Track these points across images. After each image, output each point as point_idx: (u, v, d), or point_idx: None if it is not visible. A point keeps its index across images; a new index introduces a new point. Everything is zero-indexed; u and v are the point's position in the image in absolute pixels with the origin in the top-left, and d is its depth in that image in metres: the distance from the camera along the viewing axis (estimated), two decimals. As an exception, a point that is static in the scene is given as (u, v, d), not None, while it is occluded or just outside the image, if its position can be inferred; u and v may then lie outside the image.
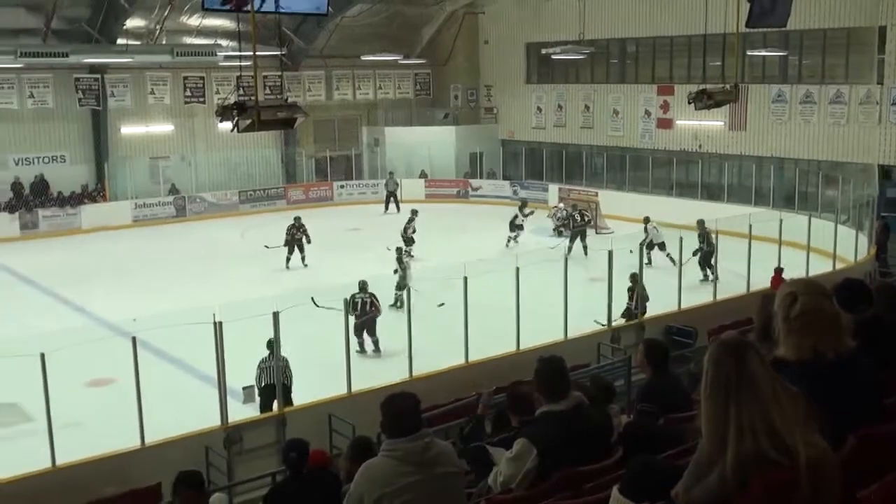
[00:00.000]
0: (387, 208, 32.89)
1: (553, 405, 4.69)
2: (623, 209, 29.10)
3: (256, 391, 13.02)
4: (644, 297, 16.09)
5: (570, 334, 14.60)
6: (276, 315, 11.90)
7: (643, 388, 6.68)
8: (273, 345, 12.50)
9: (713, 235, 19.68)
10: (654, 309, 15.71)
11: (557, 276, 14.68)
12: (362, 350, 15.91)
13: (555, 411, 4.67)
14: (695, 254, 20.08)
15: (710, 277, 19.44)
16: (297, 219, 24.46)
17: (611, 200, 30.00)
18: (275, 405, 12.32)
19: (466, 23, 36.94)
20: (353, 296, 15.60)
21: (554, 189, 32.45)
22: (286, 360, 12.87)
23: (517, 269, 14.11)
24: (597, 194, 30.37)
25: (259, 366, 12.89)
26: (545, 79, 35.45)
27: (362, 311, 16.03)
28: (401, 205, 32.06)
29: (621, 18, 31.20)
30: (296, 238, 24.02)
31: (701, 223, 20.68)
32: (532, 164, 35.13)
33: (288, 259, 23.80)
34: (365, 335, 16.17)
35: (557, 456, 4.56)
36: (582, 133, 33.87)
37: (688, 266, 17.72)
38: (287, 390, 12.75)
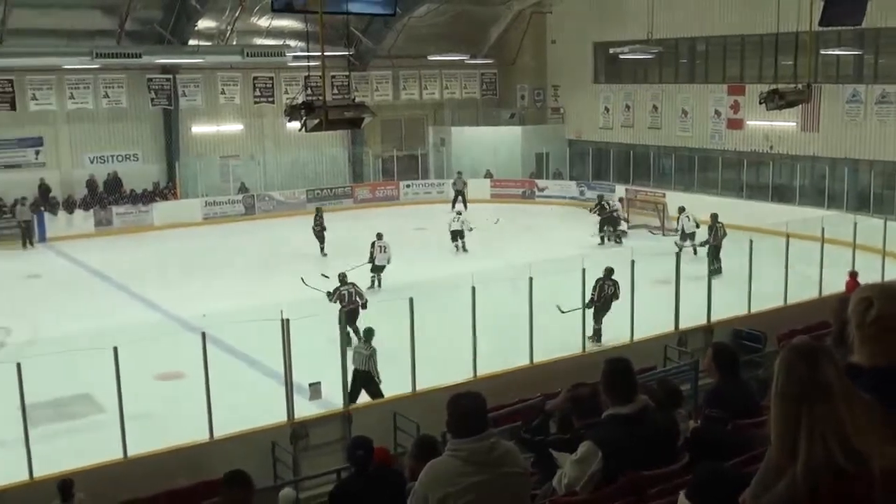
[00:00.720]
0: (454, 206, 32.91)
1: (619, 408, 4.66)
2: (691, 211, 28.67)
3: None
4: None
5: (636, 336, 14.47)
6: (341, 313, 12.02)
7: (711, 392, 6.59)
8: (370, 333, 13.45)
9: (721, 231, 21.68)
10: (723, 312, 15.46)
11: (624, 279, 14.57)
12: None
13: (621, 414, 4.64)
14: (703, 244, 21.38)
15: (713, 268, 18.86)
16: (318, 209, 27.02)
17: (678, 202, 29.52)
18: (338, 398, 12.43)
19: (534, 22, 36.84)
20: (336, 288, 16.77)
21: (620, 190, 32.16)
22: (374, 350, 13.38)
23: (583, 270, 14.05)
24: (664, 196, 29.99)
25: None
26: (613, 78, 35.16)
27: (349, 302, 16.43)
28: (468, 204, 32.14)
29: (691, 17, 30.76)
30: (314, 230, 26.00)
31: (714, 216, 22.50)
32: (599, 165, 34.89)
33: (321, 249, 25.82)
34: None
35: (622, 459, 4.53)
36: (650, 133, 33.51)
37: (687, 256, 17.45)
38: (370, 378, 13.30)
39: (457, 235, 25.95)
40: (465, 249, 25.82)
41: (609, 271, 16.66)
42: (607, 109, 35.22)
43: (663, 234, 27.21)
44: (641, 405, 4.72)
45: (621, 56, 30.85)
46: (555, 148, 36.03)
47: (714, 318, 15.05)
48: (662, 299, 15.26)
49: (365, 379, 13.37)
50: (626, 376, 4.79)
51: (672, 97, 32.67)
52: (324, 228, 26.13)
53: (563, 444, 5.29)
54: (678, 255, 14.91)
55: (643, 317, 14.72)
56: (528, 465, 4.81)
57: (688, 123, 32.22)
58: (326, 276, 17.73)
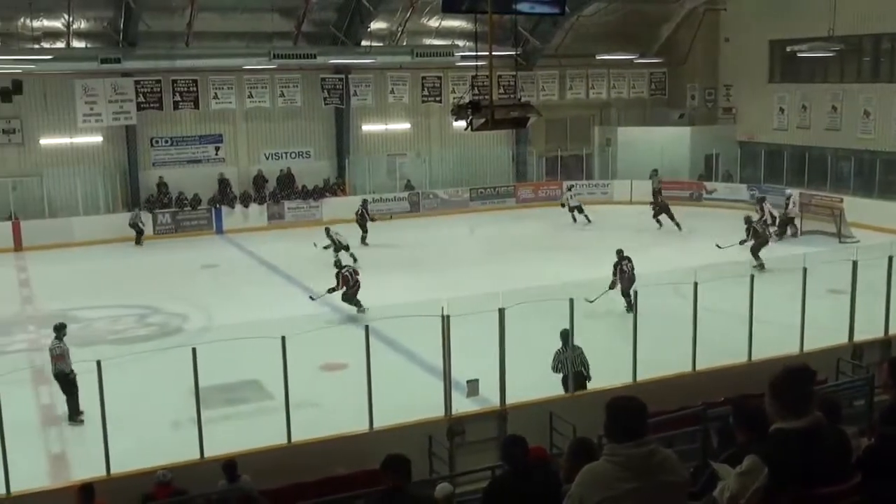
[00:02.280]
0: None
1: (790, 422, 4.43)
2: (871, 217, 27.28)
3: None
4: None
5: (807, 348, 13.84)
6: (501, 312, 12.04)
7: (887, 409, 6.20)
8: (567, 335, 13.00)
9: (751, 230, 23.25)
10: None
11: (795, 287, 13.96)
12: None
13: (791, 429, 4.41)
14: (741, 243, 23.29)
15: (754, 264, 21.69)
16: (364, 201, 28.75)
17: (857, 208, 28.13)
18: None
19: (707, 20, 35.86)
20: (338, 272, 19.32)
21: (795, 194, 30.82)
22: (580, 349, 13.21)
23: (751, 276, 13.56)
24: (842, 201, 28.59)
25: (555, 358, 13.24)
26: (789, 78, 33.74)
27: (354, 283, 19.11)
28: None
29: (876, 12, 29.12)
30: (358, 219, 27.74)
31: (748, 219, 23.98)
32: (772, 168, 33.53)
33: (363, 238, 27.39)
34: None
35: (789, 476, 4.32)
36: (827, 135, 31.96)
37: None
38: (582, 377, 13.16)
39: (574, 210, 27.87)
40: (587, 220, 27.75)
41: (620, 252, 19.04)
42: (782, 110, 33.86)
43: (840, 241, 25.98)
44: (815, 421, 4.48)
45: (799, 54, 29.61)
46: (725, 149, 34.89)
47: (893, 331, 14.20)
48: (836, 309, 14.55)
49: (577, 380, 13.06)
50: (805, 388, 4.54)
51: (853, 97, 31.05)
52: (366, 219, 27.80)
53: (728, 457, 5.11)
54: (855, 264, 14.15)
55: (814, 327, 14.07)
56: (687, 474, 4.66)
57: (870, 125, 30.55)
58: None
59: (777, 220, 26.93)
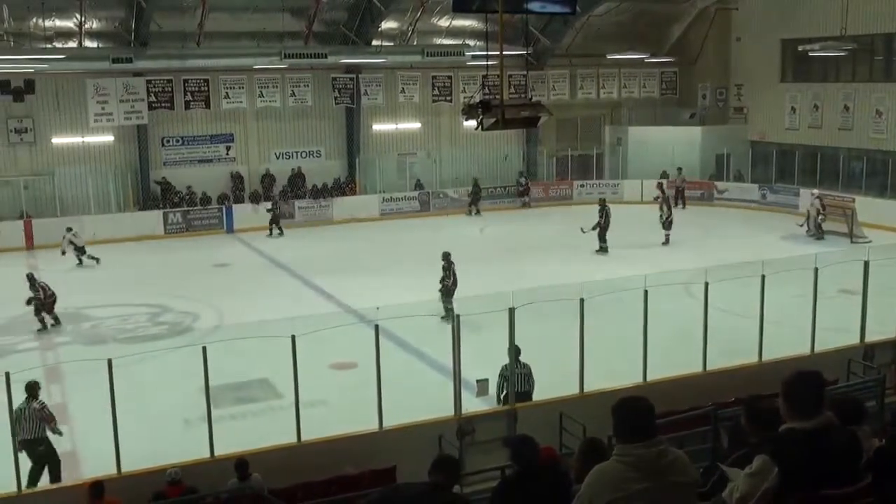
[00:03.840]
0: (676, 205, 32.71)
1: (800, 423, 4.42)
2: (883, 217, 27.19)
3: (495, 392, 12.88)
4: None
5: (818, 348, 13.78)
6: (511, 311, 12.02)
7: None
8: (516, 352, 12.40)
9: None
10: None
11: (806, 287, 13.90)
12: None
13: (801, 429, 4.39)
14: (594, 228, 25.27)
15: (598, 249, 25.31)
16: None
17: (869, 208, 28.03)
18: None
19: (718, 19, 35.76)
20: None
21: (806, 194, 30.73)
22: (528, 368, 12.79)
23: (762, 277, 13.49)
24: (853, 201, 28.47)
25: (501, 374, 12.71)
26: (801, 77, 33.63)
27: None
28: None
29: (888, 11, 29.01)
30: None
31: (602, 201, 26.05)
32: (783, 167, 33.40)
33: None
34: None
35: (799, 477, 4.30)
36: (840, 135, 31.83)
37: None
38: (527, 397, 12.70)
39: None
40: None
41: (602, 202, 25.29)
42: (794, 109, 33.74)
43: (851, 241, 25.90)
44: (825, 422, 4.46)
45: (811, 53, 29.48)
46: (736, 149, 34.78)
47: (906, 332, 14.13)
48: (848, 309, 14.48)
49: (520, 399, 12.56)
50: (815, 391, 4.52)
51: (866, 97, 30.92)
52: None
53: (738, 458, 5.08)
54: (866, 264, 14.08)
55: (825, 328, 14.01)
56: (697, 475, 4.64)
57: (882, 125, 30.42)
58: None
59: (820, 219, 27.06)
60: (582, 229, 24.89)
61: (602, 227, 25.34)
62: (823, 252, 22.07)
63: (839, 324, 14.44)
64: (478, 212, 32.88)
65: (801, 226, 27.75)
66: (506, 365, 12.58)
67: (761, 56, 34.61)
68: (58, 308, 20.19)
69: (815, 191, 28.58)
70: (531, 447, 6.39)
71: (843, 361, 13.53)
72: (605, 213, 25.42)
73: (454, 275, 19.16)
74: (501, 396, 12.65)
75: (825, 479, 4.34)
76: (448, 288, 18.91)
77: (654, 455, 4.13)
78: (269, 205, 30.03)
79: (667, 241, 26.62)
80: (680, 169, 33.95)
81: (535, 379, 13.08)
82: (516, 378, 12.49)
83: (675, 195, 32.80)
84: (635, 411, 4.25)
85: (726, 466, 4.98)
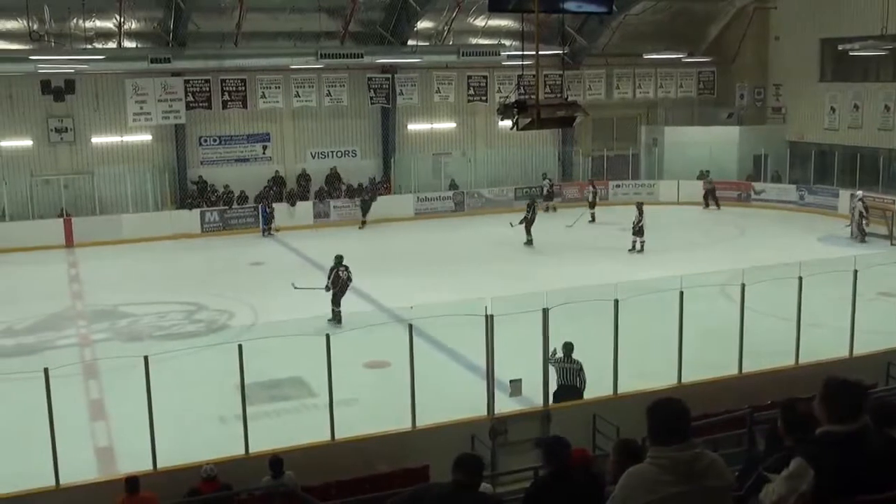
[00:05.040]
0: (707, 205, 32.45)
1: (836, 426, 4.36)
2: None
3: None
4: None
5: (857, 351, 13.60)
6: (545, 312, 11.99)
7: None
8: (570, 347, 12.78)
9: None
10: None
11: (846, 289, 13.73)
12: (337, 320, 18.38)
13: (837, 432, 4.33)
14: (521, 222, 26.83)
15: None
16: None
17: (911, 209, 27.60)
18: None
19: (756, 18, 35.39)
20: (333, 269, 19.24)
21: (845, 195, 30.32)
22: (580, 364, 12.88)
23: (800, 278, 13.34)
24: (894, 202, 28.04)
25: (556, 363, 12.83)
26: (841, 76, 33.17)
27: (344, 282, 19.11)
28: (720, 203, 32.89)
29: (932, 10, 28.55)
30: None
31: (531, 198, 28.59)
32: (822, 168, 32.97)
33: None
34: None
35: (835, 480, 4.24)
36: (880, 136, 31.37)
37: None
38: (578, 393, 12.83)
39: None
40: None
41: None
42: (833, 109, 33.31)
43: (892, 244, 25.55)
44: (861, 425, 4.40)
45: (851, 53, 29.04)
46: (774, 149, 34.38)
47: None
48: (888, 312, 14.28)
49: (571, 394, 12.84)
50: (855, 399, 4.46)
51: (907, 97, 30.45)
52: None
53: (775, 461, 5.02)
54: (908, 266, 13.89)
55: (864, 330, 13.83)
56: (733, 478, 4.59)
57: (924, 125, 29.95)
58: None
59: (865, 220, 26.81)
60: (511, 224, 27.01)
61: (528, 221, 27.10)
62: (863, 254, 21.79)
63: (879, 326, 14.27)
64: (553, 208, 33.01)
65: (848, 227, 27.31)
66: (560, 358, 12.77)
67: (800, 55, 34.21)
68: (96, 305, 20.45)
69: (859, 192, 28.15)
70: (563, 448, 6.37)
71: (882, 365, 13.37)
72: (532, 209, 27.43)
73: (341, 278, 19.12)
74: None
75: (862, 484, 4.28)
76: (335, 294, 18.98)
77: (689, 458, 4.08)
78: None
79: (633, 248, 25.60)
80: (705, 172, 33.62)
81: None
82: (565, 372, 12.65)
83: (704, 198, 32.79)
84: (670, 413, 4.20)
85: (767, 472, 4.92)
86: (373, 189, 31.80)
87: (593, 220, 30.77)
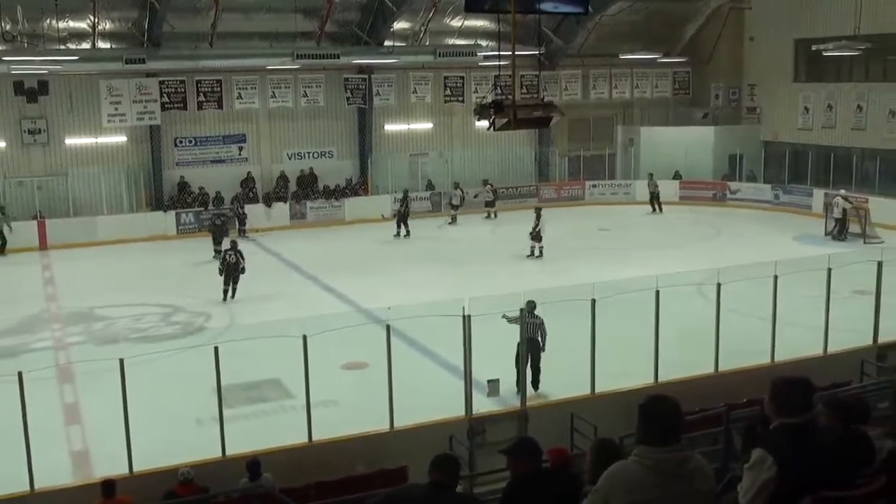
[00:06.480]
0: (653, 209, 32.55)
1: (789, 418, 4.39)
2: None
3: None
4: None
5: (831, 349, 13.72)
6: (522, 311, 12.03)
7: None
8: (533, 305, 13.68)
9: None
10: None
11: (819, 288, 13.85)
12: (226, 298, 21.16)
13: (790, 424, 4.37)
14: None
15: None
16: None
17: (883, 208, 27.87)
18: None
19: (731, 19, 35.63)
20: (224, 251, 21.85)
21: (819, 194, 30.60)
22: (541, 319, 13.76)
23: (775, 277, 13.45)
24: (867, 201, 28.33)
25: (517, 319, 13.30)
26: (814, 77, 33.47)
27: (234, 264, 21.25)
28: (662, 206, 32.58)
29: (903, 11, 28.87)
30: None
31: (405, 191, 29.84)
32: (796, 168, 33.25)
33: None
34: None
35: (796, 468, 4.26)
36: (853, 135, 31.67)
37: None
38: (537, 345, 13.77)
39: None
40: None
41: (405, 192, 29.41)
42: (807, 109, 33.59)
43: (864, 242, 25.78)
44: (811, 417, 4.45)
45: (825, 53, 29.32)
46: (749, 149, 34.65)
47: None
48: (861, 310, 14.41)
49: (532, 346, 13.63)
50: (799, 392, 4.50)
51: (879, 97, 30.74)
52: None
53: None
54: (880, 265, 14.02)
55: (838, 328, 13.95)
56: (715, 482, 4.60)
57: (896, 125, 30.26)
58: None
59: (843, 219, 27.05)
60: (383, 215, 29.51)
61: (402, 215, 28.88)
62: (837, 253, 21.99)
63: (853, 325, 14.37)
64: (494, 214, 32.59)
65: (835, 226, 27.41)
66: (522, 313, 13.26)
67: (774, 56, 34.48)
68: (69, 308, 20.27)
69: (842, 191, 28.39)
70: (531, 446, 6.32)
71: (856, 362, 13.49)
72: (405, 203, 29.22)
73: (227, 261, 21.42)
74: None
75: (822, 474, 4.31)
76: (225, 274, 21.43)
77: (677, 461, 4.05)
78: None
79: (532, 254, 25.13)
80: (650, 174, 33.79)
81: (546, 378, 13.09)
82: (528, 327, 13.21)
83: (650, 201, 32.84)
84: (664, 412, 4.16)
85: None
86: (220, 214, 28.95)
87: (494, 216, 31.64)
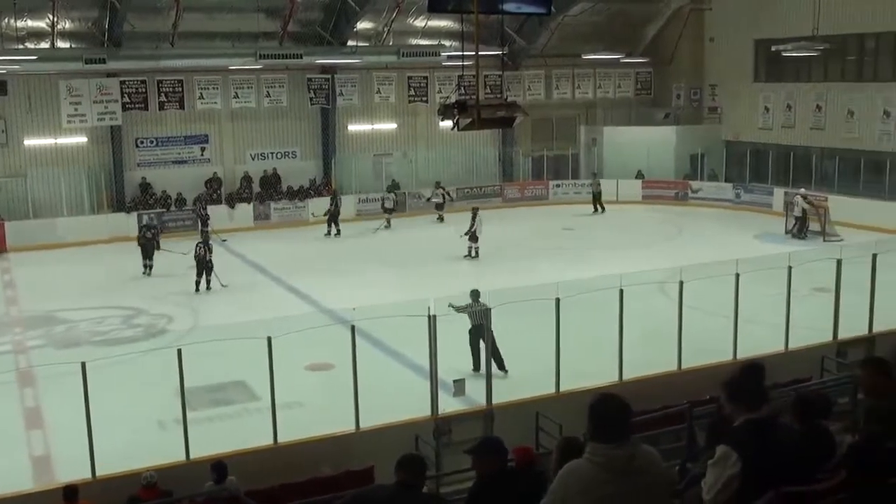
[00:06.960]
0: (596, 210, 32.71)
1: (751, 414, 4.46)
2: (855, 216, 27.44)
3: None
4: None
5: (792, 346, 13.91)
6: (488, 311, 12.05)
7: (871, 407, 6.23)
8: (477, 294, 14.50)
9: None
10: (889, 322, 14.64)
11: (780, 285, 14.02)
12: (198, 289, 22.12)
13: (754, 419, 4.44)
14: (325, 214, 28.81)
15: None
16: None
17: (842, 207, 28.26)
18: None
19: (692, 20, 35.95)
20: (196, 244, 22.47)
21: (779, 193, 30.98)
22: (488, 307, 13.75)
23: (737, 275, 13.60)
24: (826, 199, 28.73)
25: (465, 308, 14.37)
26: (774, 77, 33.86)
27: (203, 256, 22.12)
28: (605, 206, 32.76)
29: (860, 12, 29.28)
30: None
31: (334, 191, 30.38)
32: (757, 167, 33.65)
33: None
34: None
35: (760, 464, 4.33)
36: (812, 134, 32.10)
37: None
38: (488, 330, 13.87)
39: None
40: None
41: (334, 192, 30.15)
42: (767, 109, 33.99)
43: (824, 240, 26.14)
44: (771, 411, 4.52)
45: (784, 53, 29.67)
46: (710, 149, 35.03)
47: (877, 329, 14.28)
48: (821, 307, 14.62)
49: (480, 332, 13.92)
50: (757, 384, 4.57)
51: (837, 97, 31.19)
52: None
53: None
54: (839, 262, 14.23)
55: (799, 325, 14.14)
56: (672, 473, 4.66)
57: (854, 124, 30.70)
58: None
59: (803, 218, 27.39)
60: (312, 214, 30.25)
61: (331, 214, 29.30)
62: (796, 251, 22.28)
63: (813, 322, 14.59)
64: (441, 218, 32.31)
65: (795, 225, 27.74)
66: (470, 303, 14.42)
67: (735, 56, 34.85)
68: (29, 311, 19.99)
69: (802, 189, 28.77)
70: (496, 446, 6.34)
71: (816, 359, 13.68)
72: (335, 202, 29.60)
73: (197, 253, 22.27)
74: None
75: (790, 469, 4.37)
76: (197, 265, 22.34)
77: (626, 457, 4.10)
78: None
79: (469, 254, 25.30)
80: (593, 173, 34.06)
81: (511, 377, 13.13)
82: (475, 315, 14.01)
83: (592, 200, 33.00)
84: (610, 411, 4.21)
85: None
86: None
87: (442, 220, 31.40)
